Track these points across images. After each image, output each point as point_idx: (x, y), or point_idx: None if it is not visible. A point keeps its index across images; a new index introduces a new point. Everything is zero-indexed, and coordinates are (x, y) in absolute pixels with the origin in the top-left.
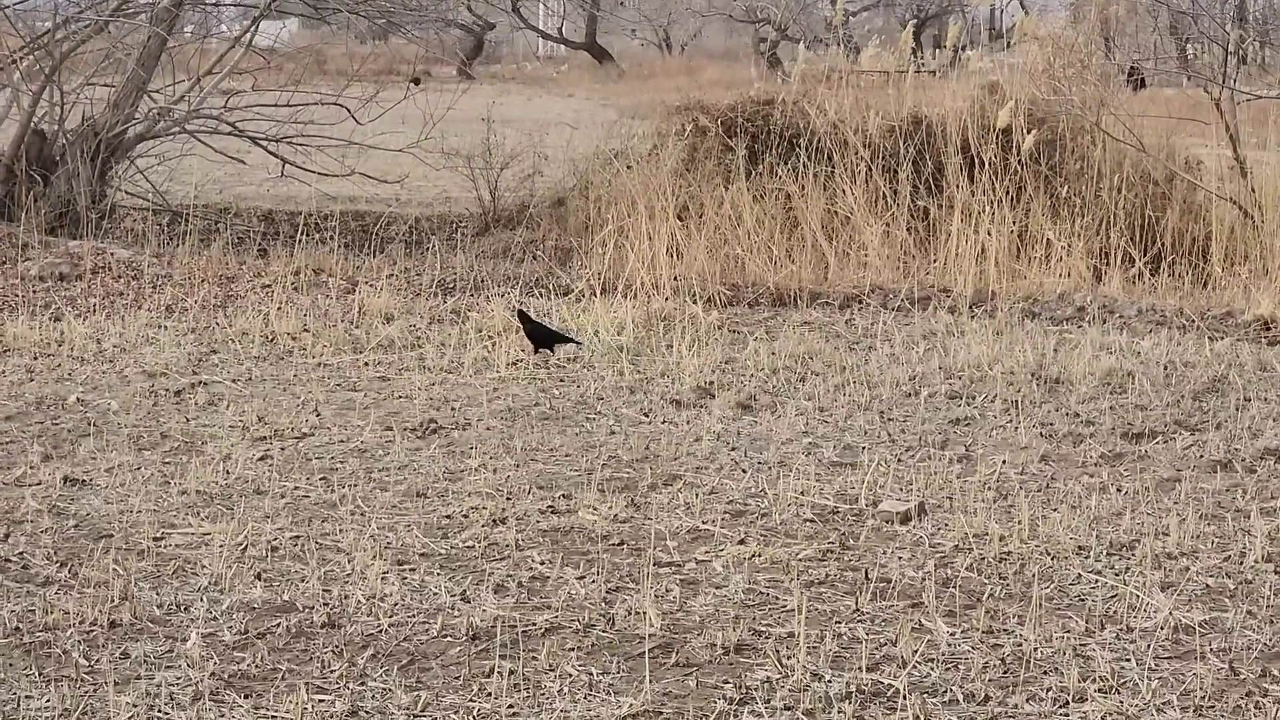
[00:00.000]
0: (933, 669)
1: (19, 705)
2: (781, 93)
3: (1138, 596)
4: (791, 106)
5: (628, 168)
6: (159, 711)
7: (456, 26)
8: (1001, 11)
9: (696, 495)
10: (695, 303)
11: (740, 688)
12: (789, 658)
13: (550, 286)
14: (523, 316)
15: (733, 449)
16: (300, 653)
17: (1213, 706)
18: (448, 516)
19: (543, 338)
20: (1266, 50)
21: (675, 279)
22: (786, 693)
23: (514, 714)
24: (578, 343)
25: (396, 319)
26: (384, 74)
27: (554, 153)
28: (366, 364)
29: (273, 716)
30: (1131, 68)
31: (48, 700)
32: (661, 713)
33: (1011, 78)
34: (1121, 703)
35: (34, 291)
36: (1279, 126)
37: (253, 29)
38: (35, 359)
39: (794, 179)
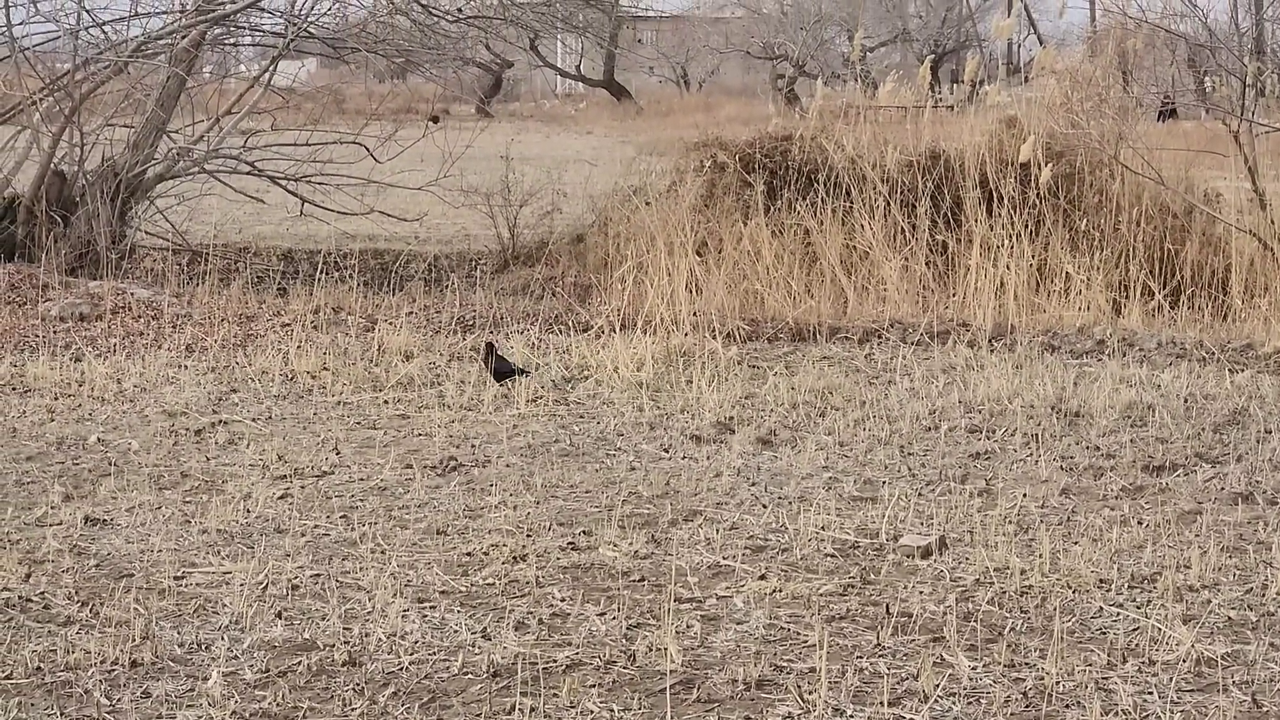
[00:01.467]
0: (954, 704)
1: None
2: (799, 128)
3: (1159, 629)
4: (809, 142)
5: (646, 204)
6: None
7: (475, 65)
8: (1019, 46)
9: (717, 531)
10: (714, 338)
11: None
12: (810, 693)
13: (569, 323)
14: (489, 349)
15: (753, 484)
16: (321, 691)
17: None
18: (468, 554)
19: (503, 373)
20: None
21: (694, 314)
22: None
23: None
24: (526, 373)
25: (416, 356)
26: (402, 112)
27: (572, 189)
28: (386, 402)
29: None
30: (1165, 98)
31: None
32: None
33: (1030, 112)
34: None
35: (54, 332)
36: None
37: (271, 69)
38: (56, 399)
39: (812, 214)
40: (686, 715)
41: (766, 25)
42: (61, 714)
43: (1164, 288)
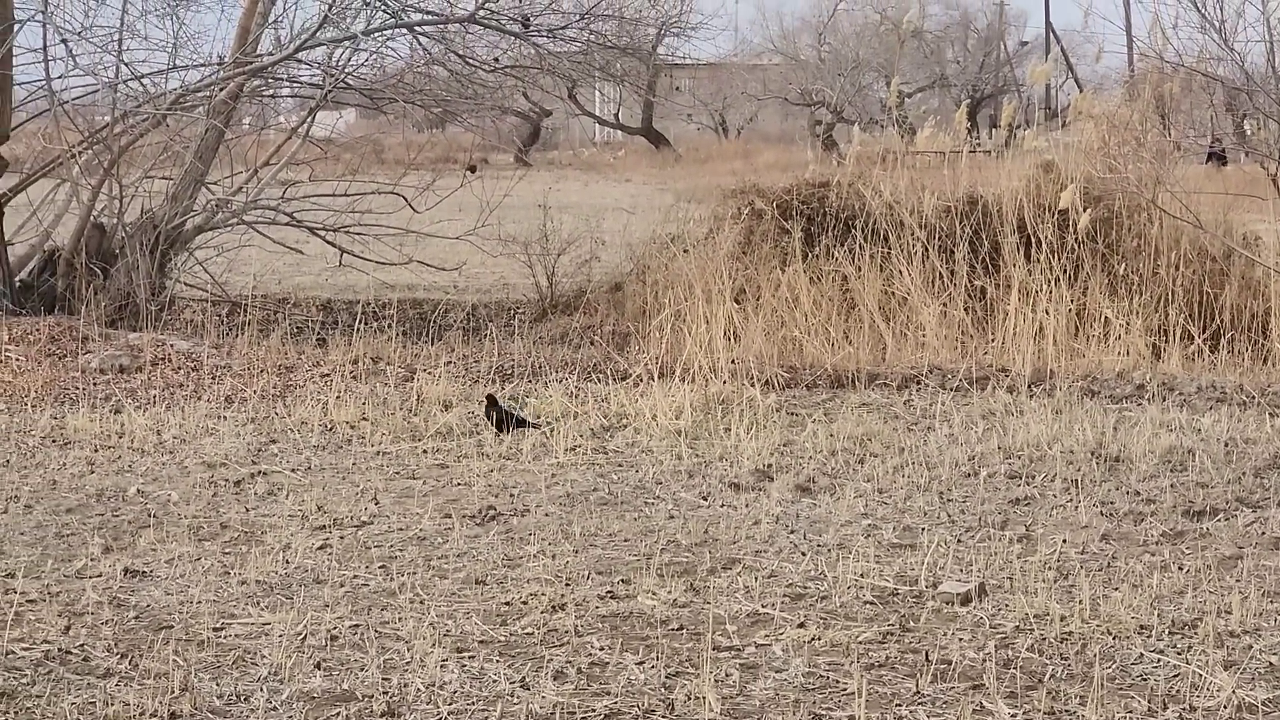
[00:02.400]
0: None
1: None
2: (837, 175)
3: (1200, 675)
4: (847, 188)
5: (684, 251)
6: None
7: (512, 114)
8: (1057, 90)
9: (756, 579)
10: (753, 385)
11: None
12: None
13: (608, 371)
14: (491, 401)
15: (791, 532)
16: None
17: None
18: (507, 603)
19: (502, 422)
20: None
21: (733, 362)
22: None
23: None
24: (535, 426)
25: (455, 406)
26: (441, 162)
27: (611, 238)
28: (425, 451)
29: None
30: (1214, 140)
31: None
32: None
33: (1067, 156)
34: None
35: (94, 384)
36: None
37: (309, 120)
38: (96, 451)
39: (850, 260)
40: None
41: (804, 72)
42: None
43: (1203, 331)
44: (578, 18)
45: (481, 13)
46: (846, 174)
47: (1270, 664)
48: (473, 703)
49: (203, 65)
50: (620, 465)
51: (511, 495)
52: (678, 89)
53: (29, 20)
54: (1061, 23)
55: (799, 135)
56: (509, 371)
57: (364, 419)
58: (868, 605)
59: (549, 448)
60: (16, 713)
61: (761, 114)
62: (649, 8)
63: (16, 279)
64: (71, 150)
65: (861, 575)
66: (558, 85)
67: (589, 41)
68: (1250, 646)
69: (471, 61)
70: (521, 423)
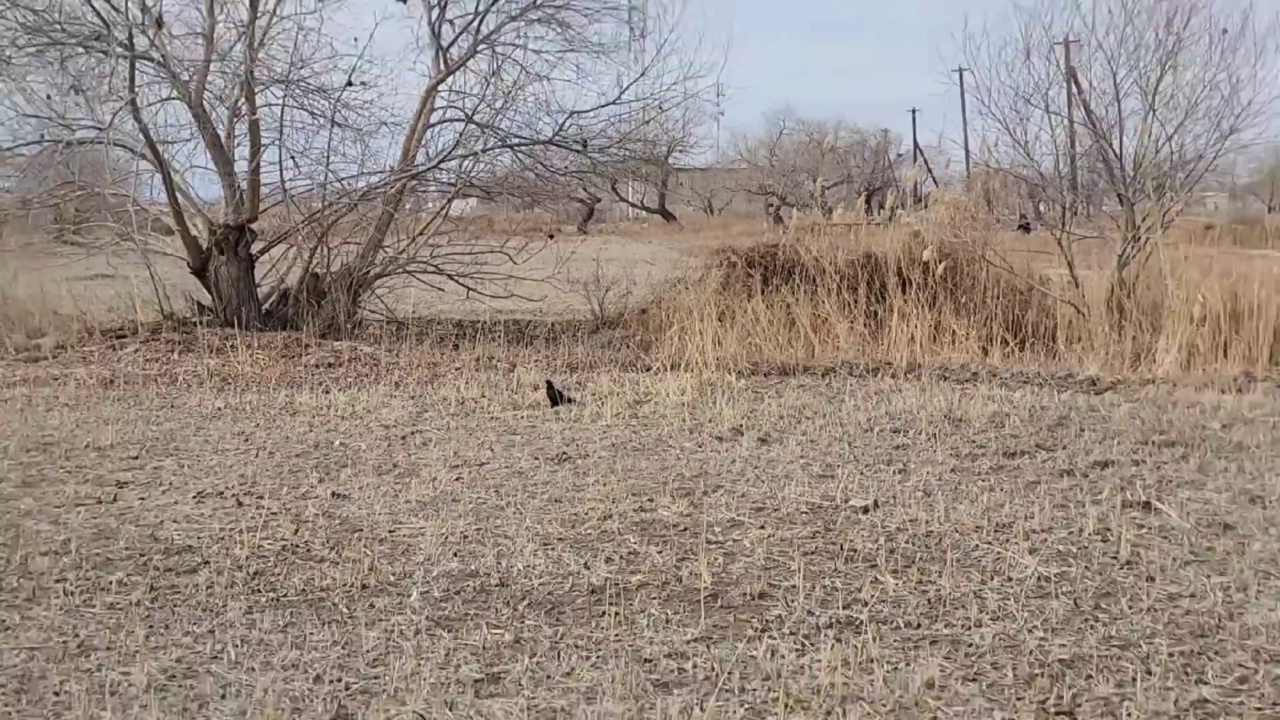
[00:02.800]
0: (884, 607)
1: (305, 639)
2: (782, 239)
3: (1014, 558)
4: (789, 248)
5: (685, 288)
6: (393, 642)
7: (576, 200)
8: (922, 185)
9: (732, 498)
10: (730, 374)
11: (762, 621)
12: (792, 601)
13: (637, 366)
14: (549, 385)
15: (755, 468)
16: (482, 603)
17: (1062, 629)
18: (575, 514)
19: (556, 398)
20: (1089, 207)
21: (717, 359)
22: (792, 624)
23: (618, 640)
24: (573, 400)
25: (540, 388)
26: (531, 231)
27: (639, 280)
28: (522, 417)
29: (465, 644)
30: (1021, 216)
31: (324, 635)
32: (712, 638)
33: (927, 228)
34: (1004, 628)
35: (312, 375)
36: (1098, 256)
37: (447, 205)
38: (313, 418)
39: (791, 294)
40: (714, 616)
41: (761, 173)
42: (319, 619)
43: (1015, 338)
44: (617, 140)
45: (556, 138)
46: (788, 239)
47: (1059, 551)
48: (554, 578)
49: (380, 172)
50: (646, 426)
51: (578, 445)
52: (680, 183)
53: (270, 144)
54: (925, 140)
55: (758, 213)
56: (574, 365)
57: (483, 396)
58: (803, 514)
59: (600, 414)
60: (266, 587)
61: (734, 200)
62: (664, 134)
63: (263, 307)
64: (297, 226)
65: (799, 495)
66: (604, 182)
67: (625, 155)
68: (1046, 539)
69: (550, 168)
70: (570, 400)
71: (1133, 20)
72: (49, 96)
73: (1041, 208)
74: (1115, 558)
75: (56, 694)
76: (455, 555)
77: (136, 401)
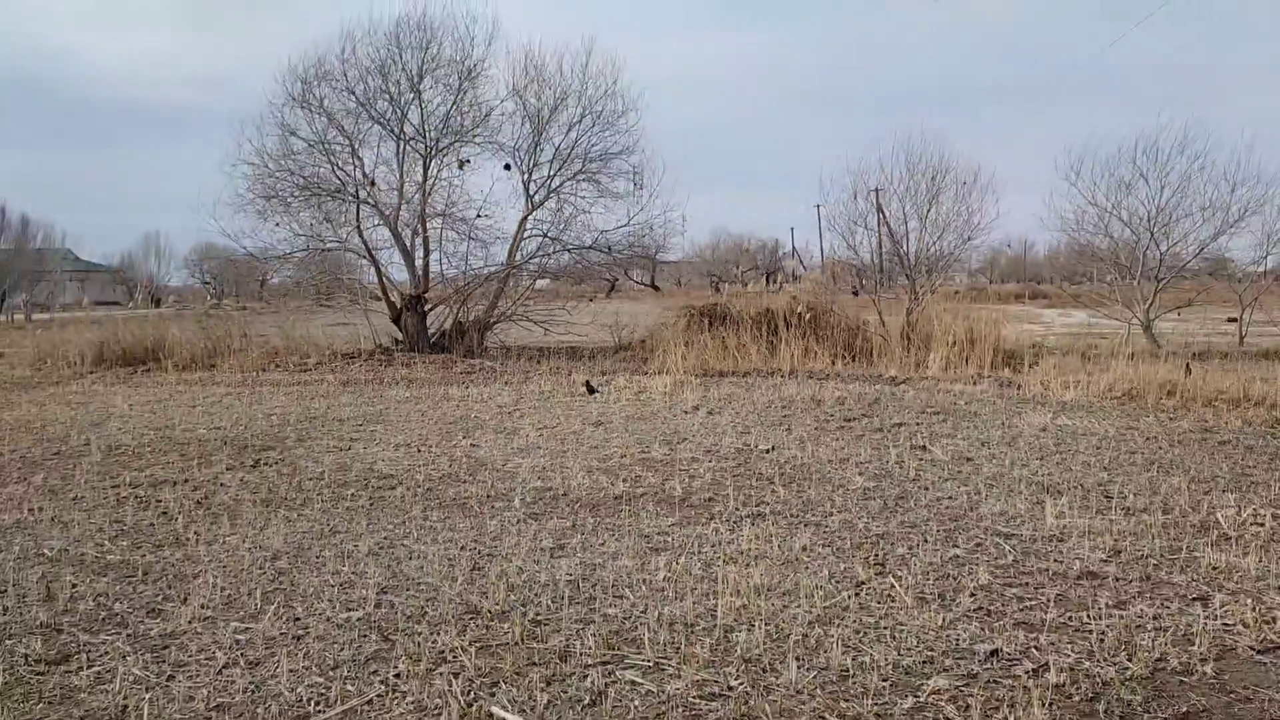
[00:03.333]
0: (778, 505)
1: (455, 526)
2: (720, 300)
3: (847, 478)
4: (724, 305)
5: (666, 328)
6: (504, 526)
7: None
8: (795, 269)
9: (693, 447)
10: (692, 376)
11: (710, 513)
12: (727, 503)
13: (641, 371)
14: (588, 383)
15: (706, 428)
16: (553, 504)
17: (877, 517)
18: (605, 455)
19: (591, 390)
20: (890, 281)
21: (684, 368)
22: (727, 515)
23: (629, 525)
24: (600, 391)
25: (584, 384)
26: (579, 296)
27: (640, 324)
28: (575, 401)
29: (544, 528)
30: (854, 287)
31: (466, 524)
32: (682, 524)
33: (801, 293)
34: (845, 517)
35: (458, 379)
36: (895, 308)
37: (533, 282)
38: (459, 404)
39: (725, 331)
40: (684, 511)
41: (707, 263)
42: (463, 515)
43: (849, 355)
44: (628, 245)
45: (593, 245)
46: (724, 300)
47: (875, 473)
48: (595, 490)
49: (497, 264)
50: (644, 405)
51: (606, 416)
52: (663, 269)
53: (434, 250)
54: (799, 243)
55: (707, 285)
56: (606, 372)
57: (553, 389)
58: (734, 454)
59: (620, 398)
60: (433, 497)
61: (693, 278)
62: (653, 242)
63: (431, 341)
64: (449, 295)
65: (730, 444)
66: (620, 269)
67: (632, 254)
68: (868, 467)
69: (589, 261)
70: (598, 391)
71: (913, 176)
72: (311, 224)
73: (863, 281)
74: (906, 477)
75: (318, 558)
76: (539, 478)
77: (361, 394)
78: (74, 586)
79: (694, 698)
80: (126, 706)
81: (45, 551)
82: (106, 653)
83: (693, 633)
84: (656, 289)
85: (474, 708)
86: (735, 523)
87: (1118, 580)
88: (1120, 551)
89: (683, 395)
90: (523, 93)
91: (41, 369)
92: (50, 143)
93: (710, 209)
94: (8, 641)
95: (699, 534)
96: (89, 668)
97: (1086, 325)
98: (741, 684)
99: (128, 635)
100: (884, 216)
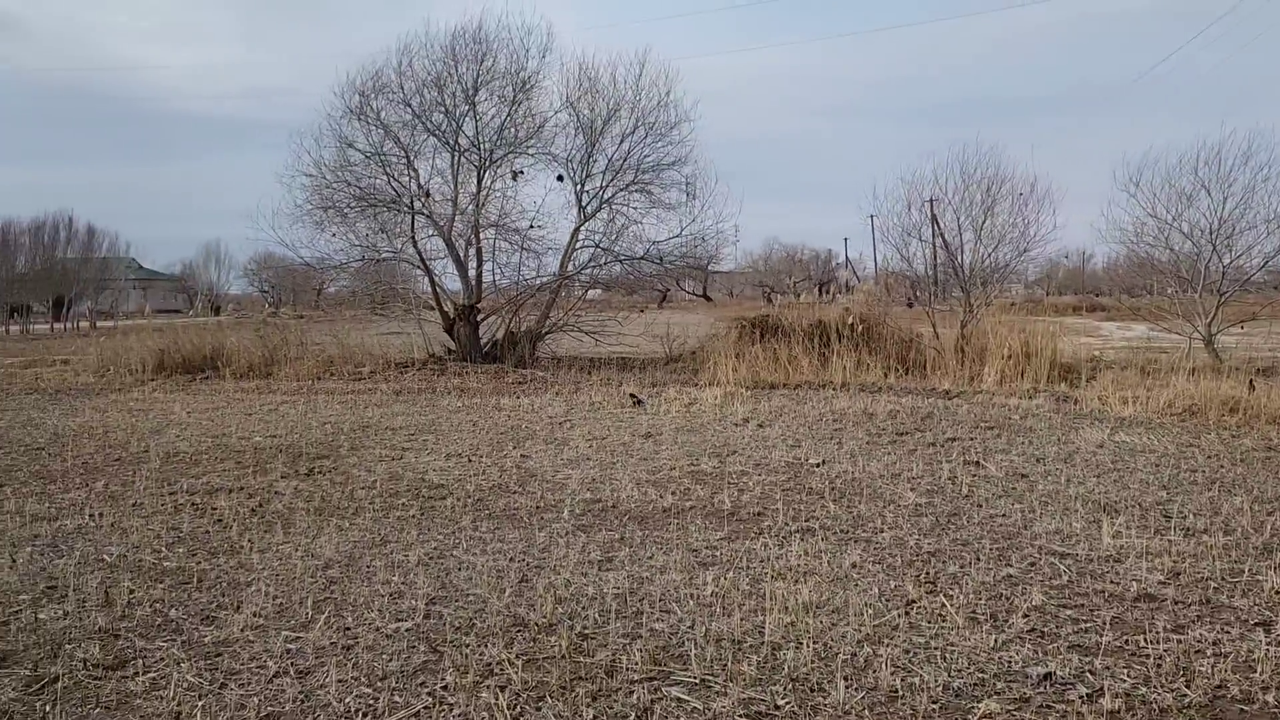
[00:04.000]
0: (831, 521)
1: (504, 537)
2: (773, 312)
3: (900, 494)
4: (775, 316)
5: (717, 340)
6: (553, 538)
7: (656, 290)
8: (848, 281)
9: (743, 459)
10: (742, 388)
11: (759, 528)
12: (776, 517)
13: (691, 383)
14: (633, 394)
15: (756, 441)
16: (602, 517)
17: (929, 534)
18: (655, 468)
19: (639, 402)
20: (944, 294)
21: (735, 380)
22: (775, 530)
23: (681, 538)
24: (642, 401)
25: (631, 396)
26: (631, 307)
27: (692, 335)
28: (625, 412)
29: (593, 540)
30: (908, 299)
31: (515, 535)
32: (731, 538)
33: (853, 305)
34: (895, 534)
35: (510, 389)
36: (949, 320)
37: (585, 293)
38: (510, 414)
39: (776, 343)
40: (732, 525)
41: (760, 273)
42: (512, 526)
43: (903, 368)
44: (680, 256)
45: (645, 255)
46: (775, 311)
47: (927, 489)
48: (644, 503)
49: (550, 275)
50: (694, 417)
51: (657, 428)
52: (715, 280)
53: (487, 260)
54: (852, 255)
55: (759, 297)
56: (655, 383)
57: (604, 400)
58: (784, 467)
59: (669, 410)
60: (483, 507)
61: (745, 289)
62: (705, 252)
63: (483, 351)
64: (500, 305)
65: (780, 457)
66: (672, 279)
67: (684, 264)
68: (920, 482)
69: (641, 272)
70: (643, 403)
71: (968, 187)
72: (367, 234)
73: (917, 293)
74: (959, 493)
75: (368, 567)
76: (588, 490)
77: (414, 403)
78: (131, 592)
79: (740, 716)
80: (180, 714)
81: (105, 557)
82: (162, 659)
83: (740, 650)
84: (709, 299)
85: None
86: (784, 538)
87: (1176, 603)
88: (1179, 573)
89: (733, 407)
90: (576, 104)
91: (104, 376)
92: (117, 155)
93: (764, 219)
94: (68, 646)
95: (747, 549)
96: (144, 674)
97: (1146, 339)
98: (789, 703)
99: (182, 642)
100: (939, 228)
